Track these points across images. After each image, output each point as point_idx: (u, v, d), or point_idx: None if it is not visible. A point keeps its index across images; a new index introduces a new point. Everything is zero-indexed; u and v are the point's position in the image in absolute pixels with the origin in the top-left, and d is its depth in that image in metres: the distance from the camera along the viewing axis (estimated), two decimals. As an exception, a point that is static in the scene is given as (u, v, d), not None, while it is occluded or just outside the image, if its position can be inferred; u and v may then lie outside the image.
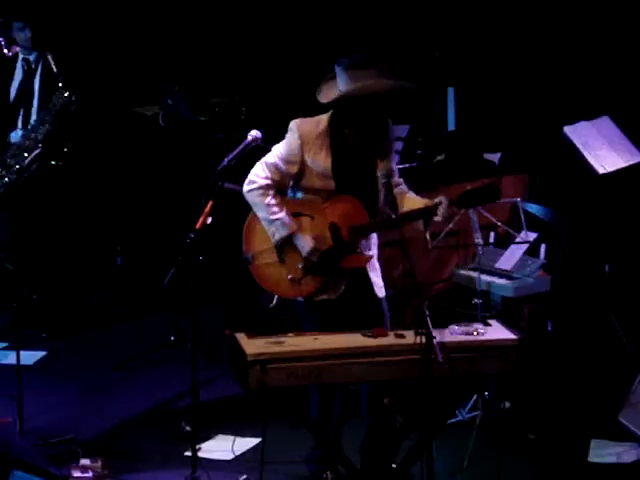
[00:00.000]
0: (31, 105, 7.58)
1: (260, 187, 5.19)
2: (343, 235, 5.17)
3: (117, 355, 7.28)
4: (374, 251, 5.25)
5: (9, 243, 7.89)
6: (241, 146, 5.53)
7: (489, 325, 5.18)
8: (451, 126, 8.14)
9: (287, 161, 5.18)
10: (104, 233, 9.05)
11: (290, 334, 5.06)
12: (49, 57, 7.40)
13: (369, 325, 5.04)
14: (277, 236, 5.18)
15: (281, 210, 5.17)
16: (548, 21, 8.19)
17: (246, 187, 5.25)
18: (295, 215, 5.21)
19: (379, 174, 5.14)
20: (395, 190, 5.18)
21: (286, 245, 5.21)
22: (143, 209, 9.00)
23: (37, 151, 7.50)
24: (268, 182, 5.18)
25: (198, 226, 5.36)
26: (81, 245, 8.50)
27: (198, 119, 8.12)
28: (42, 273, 7.80)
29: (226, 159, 5.49)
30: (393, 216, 4.99)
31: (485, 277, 6.42)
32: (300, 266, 5.21)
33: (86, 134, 8.09)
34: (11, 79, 7.67)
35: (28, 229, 7.73)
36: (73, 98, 7.43)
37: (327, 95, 5.14)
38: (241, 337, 5.01)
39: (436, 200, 5.08)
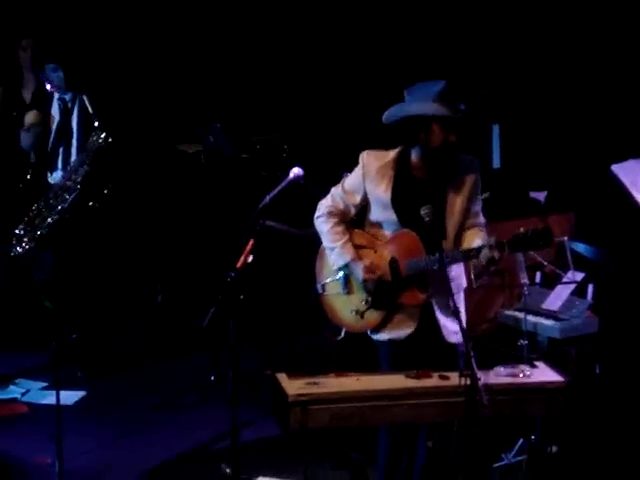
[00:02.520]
0: (70, 145, 7.59)
1: (323, 214, 5.24)
2: (400, 270, 5.10)
3: (157, 395, 7.23)
4: (458, 294, 5.07)
5: (49, 282, 7.89)
6: (282, 184, 5.49)
7: (535, 367, 5.08)
8: (496, 164, 8.08)
9: (350, 191, 5.21)
10: (145, 271, 9.03)
11: (331, 375, 4.98)
12: (84, 98, 7.40)
13: (441, 369, 4.95)
14: (336, 264, 5.20)
15: (342, 238, 5.18)
16: (591, 60, 8.14)
17: (315, 215, 5.30)
18: (359, 247, 5.19)
19: (451, 212, 5.10)
20: (468, 230, 5.14)
21: (350, 277, 5.19)
22: (184, 247, 8.98)
23: (76, 192, 7.49)
24: (331, 210, 5.22)
25: (239, 265, 5.30)
26: (121, 284, 8.48)
27: (240, 156, 8.11)
28: (82, 312, 7.78)
29: (267, 197, 5.45)
30: (431, 256, 4.97)
31: (531, 318, 6.31)
32: (363, 299, 5.16)
33: (126, 174, 8.09)
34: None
35: (69, 268, 7.72)
36: (110, 139, 7.41)
37: (390, 116, 5.12)
38: (282, 377, 4.94)
39: (481, 243, 5.00)
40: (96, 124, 7.41)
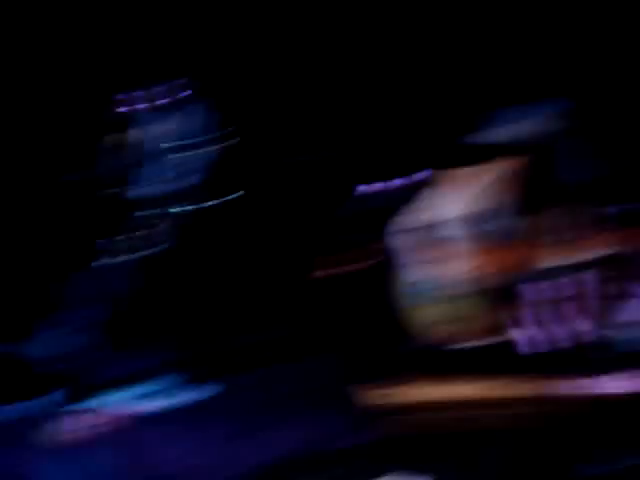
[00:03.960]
0: (179, 155, 7.84)
1: (403, 231, 5.47)
2: (496, 284, 5.31)
3: (274, 396, 7.34)
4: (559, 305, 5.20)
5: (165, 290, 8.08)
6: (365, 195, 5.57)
7: (616, 378, 5.13)
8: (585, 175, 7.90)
9: (429, 208, 5.46)
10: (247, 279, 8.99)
11: (419, 383, 5.18)
12: (201, 109, 7.65)
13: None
14: (421, 278, 5.41)
15: (427, 253, 5.40)
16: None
17: (391, 230, 5.51)
18: (451, 259, 5.39)
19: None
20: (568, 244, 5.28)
21: (439, 290, 5.37)
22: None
23: (188, 200, 7.76)
24: (411, 226, 5.45)
25: (324, 276, 5.42)
26: (232, 290, 8.59)
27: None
28: (198, 320, 8.05)
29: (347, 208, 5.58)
30: (525, 273, 5.20)
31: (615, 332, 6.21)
32: (452, 311, 5.38)
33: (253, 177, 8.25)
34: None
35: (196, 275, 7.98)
36: (229, 146, 7.67)
37: (486, 138, 5.38)
38: (372, 388, 5.19)
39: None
40: (213, 134, 7.62)
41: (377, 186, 5.82)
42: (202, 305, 8.05)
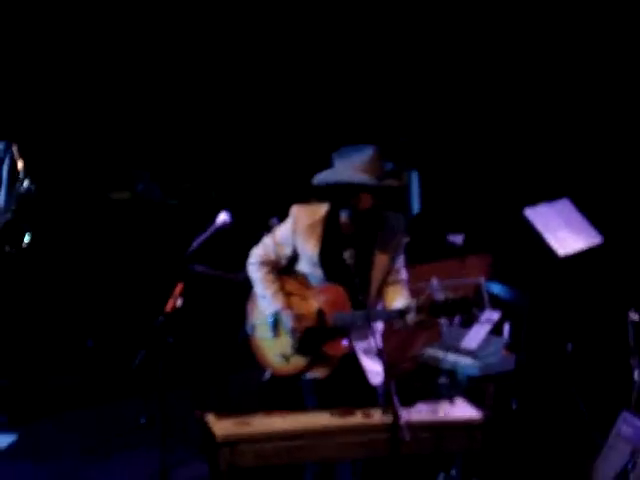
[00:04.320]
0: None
1: (256, 262, 5.42)
2: (327, 322, 5.29)
3: (88, 438, 7.28)
4: (375, 340, 5.11)
5: None
6: (210, 229, 5.67)
7: (455, 404, 5.28)
8: (415, 208, 8.30)
9: (280, 243, 5.40)
10: (76, 316, 9.08)
11: (259, 414, 5.15)
12: (13, 148, 7.52)
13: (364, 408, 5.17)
14: (266, 311, 5.38)
15: (273, 287, 5.36)
16: (505, 108, 8.44)
17: (248, 261, 5.46)
18: (288, 294, 5.37)
19: (377, 268, 5.31)
20: (389, 286, 5.34)
21: (279, 322, 5.36)
22: (114, 291, 9.05)
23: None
24: (263, 259, 5.41)
25: (168, 309, 5.46)
26: (52, 328, 8.54)
27: (168, 203, 8.26)
28: (10, 357, 7.82)
29: (195, 242, 5.62)
30: (357, 312, 5.20)
31: (450, 356, 6.54)
32: (290, 344, 5.34)
33: (51, 221, 8.18)
34: None
35: None
36: (33, 188, 7.52)
37: (320, 181, 5.28)
38: (210, 418, 5.09)
39: (407, 305, 5.20)
40: (21, 173, 7.51)
41: (229, 218, 5.77)
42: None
